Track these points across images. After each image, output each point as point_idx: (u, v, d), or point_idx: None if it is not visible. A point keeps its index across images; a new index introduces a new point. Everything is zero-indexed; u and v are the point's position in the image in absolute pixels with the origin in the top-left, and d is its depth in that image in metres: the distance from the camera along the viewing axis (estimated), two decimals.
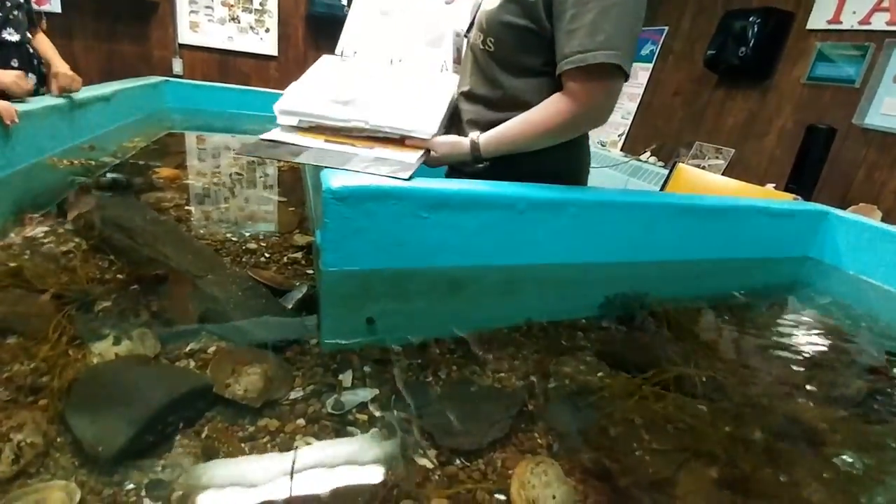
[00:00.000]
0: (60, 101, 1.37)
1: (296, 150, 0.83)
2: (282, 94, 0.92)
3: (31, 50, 1.40)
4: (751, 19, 2.84)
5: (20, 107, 1.17)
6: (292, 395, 0.69)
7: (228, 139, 2.15)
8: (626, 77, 0.80)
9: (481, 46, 0.88)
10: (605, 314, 0.99)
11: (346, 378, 0.74)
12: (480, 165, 0.87)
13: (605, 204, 0.92)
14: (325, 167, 0.77)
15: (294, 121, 0.88)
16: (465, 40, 1.02)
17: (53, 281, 0.78)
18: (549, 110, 0.82)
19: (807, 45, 2.77)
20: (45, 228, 0.96)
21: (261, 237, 1.06)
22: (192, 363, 0.71)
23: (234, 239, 1.04)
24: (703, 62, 3.17)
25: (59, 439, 0.56)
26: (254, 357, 0.71)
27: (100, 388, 0.61)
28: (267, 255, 1.00)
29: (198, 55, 3.47)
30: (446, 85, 0.96)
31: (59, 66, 1.46)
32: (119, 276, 0.84)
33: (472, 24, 0.96)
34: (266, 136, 0.88)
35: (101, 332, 0.72)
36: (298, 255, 1.01)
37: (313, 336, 0.78)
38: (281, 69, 3.68)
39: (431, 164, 0.87)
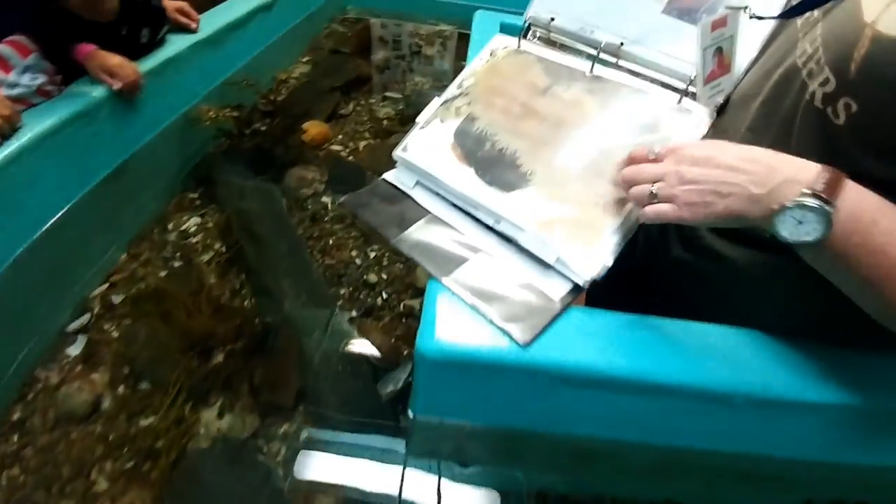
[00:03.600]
0: (212, 28, 1.15)
1: (402, 220, 0.62)
2: None
3: None
4: None
5: (166, 52, 1.02)
6: None
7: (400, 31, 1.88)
8: None
9: (821, 104, 0.41)
10: None
11: None
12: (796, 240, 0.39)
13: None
14: (427, 269, 0.55)
15: (411, 180, 0.65)
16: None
17: (184, 314, 0.81)
18: None
19: None
20: (197, 220, 0.98)
21: (384, 263, 0.93)
22: (284, 449, 0.71)
23: (357, 261, 0.93)
24: None
25: None
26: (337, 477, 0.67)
27: (192, 486, 0.65)
28: (385, 294, 0.88)
29: None
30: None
31: None
32: (241, 307, 0.84)
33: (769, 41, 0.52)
34: (387, 176, 0.68)
35: (209, 398, 0.74)
36: (415, 303, 0.87)
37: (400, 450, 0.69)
38: None
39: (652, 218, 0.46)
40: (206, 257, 0.91)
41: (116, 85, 0.87)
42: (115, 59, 0.87)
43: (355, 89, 1.46)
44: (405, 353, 0.80)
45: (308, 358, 0.77)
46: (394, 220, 0.62)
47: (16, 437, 0.71)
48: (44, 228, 0.82)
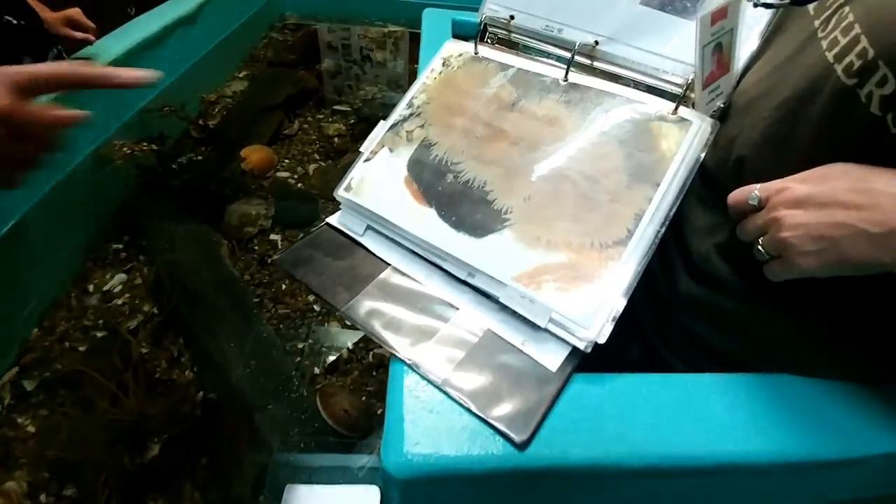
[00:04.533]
0: (120, 49, 0.93)
1: (353, 278, 0.50)
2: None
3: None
4: None
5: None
6: None
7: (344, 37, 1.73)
8: None
9: (879, 110, 0.32)
10: None
11: None
12: None
13: None
14: (388, 348, 0.44)
15: (360, 225, 0.54)
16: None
17: (107, 400, 0.68)
18: None
19: None
20: (122, 276, 0.84)
21: None
22: None
23: (316, 307, 0.82)
24: None
25: None
26: None
27: None
28: (350, 344, 0.77)
29: None
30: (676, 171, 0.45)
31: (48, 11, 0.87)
32: (182, 379, 0.71)
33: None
34: (332, 220, 0.57)
35: (146, 503, 0.61)
36: (385, 352, 0.76)
37: None
38: None
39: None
40: (133, 323, 0.77)
41: None
42: None
43: (300, 105, 1.31)
44: (379, 412, 0.70)
45: (263, 438, 0.65)
46: (342, 279, 0.50)
47: None
48: None
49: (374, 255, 0.52)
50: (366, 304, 0.48)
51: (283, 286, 0.85)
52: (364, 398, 0.72)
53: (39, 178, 0.83)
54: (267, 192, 0.98)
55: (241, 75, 1.42)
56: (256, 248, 0.90)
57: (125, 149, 0.85)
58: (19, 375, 0.74)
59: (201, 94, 1.22)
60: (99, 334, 0.77)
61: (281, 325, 0.80)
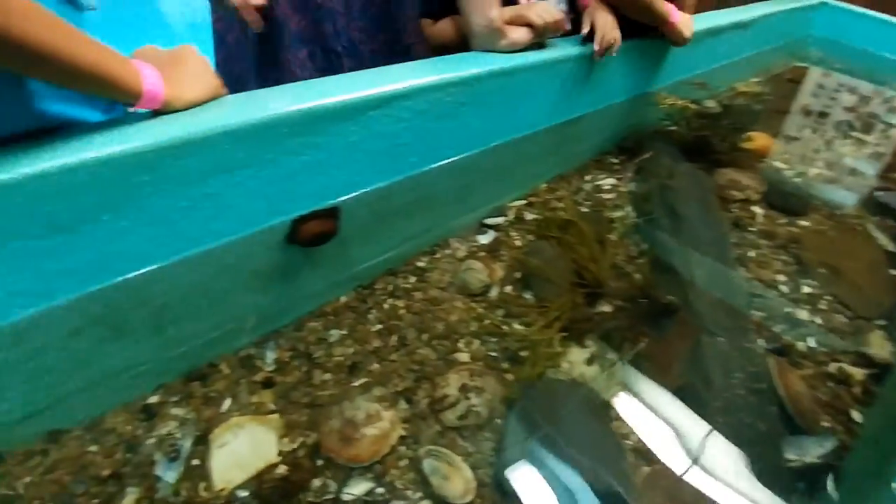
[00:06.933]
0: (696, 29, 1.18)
1: None
2: None
3: None
4: None
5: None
6: None
7: (867, 97, 1.49)
8: None
9: None
10: None
11: None
12: None
13: None
14: None
15: None
16: None
17: (586, 251, 0.80)
18: None
19: None
20: (613, 181, 0.97)
21: (821, 306, 0.73)
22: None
23: (783, 289, 0.75)
24: None
25: (498, 420, 0.61)
26: None
27: (543, 410, 0.62)
28: (813, 342, 0.68)
29: None
30: None
31: None
32: (636, 275, 0.78)
33: None
34: None
35: (584, 340, 0.70)
36: (857, 373, 0.64)
37: None
38: None
39: None
40: (613, 214, 0.90)
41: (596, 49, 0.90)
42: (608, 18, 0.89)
43: (808, 116, 1.27)
44: (825, 424, 0.60)
45: (703, 357, 0.66)
46: None
47: (413, 279, 0.78)
48: (518, 136, 0.92)
49: None
50: None
51: (753, 254, 0.82)
52: (813, 401, 0.64)
53: (608, 94, 1.06)
54: (759, 172, 0.97)
55: (756, 80, 1.51)
56: (735, 211, 0.91)
57: (669, 100, 1.01)
58: (524, 207, 0.95)
59: (732, 83, 1.40)
60: (584, 209, 0.92)
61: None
